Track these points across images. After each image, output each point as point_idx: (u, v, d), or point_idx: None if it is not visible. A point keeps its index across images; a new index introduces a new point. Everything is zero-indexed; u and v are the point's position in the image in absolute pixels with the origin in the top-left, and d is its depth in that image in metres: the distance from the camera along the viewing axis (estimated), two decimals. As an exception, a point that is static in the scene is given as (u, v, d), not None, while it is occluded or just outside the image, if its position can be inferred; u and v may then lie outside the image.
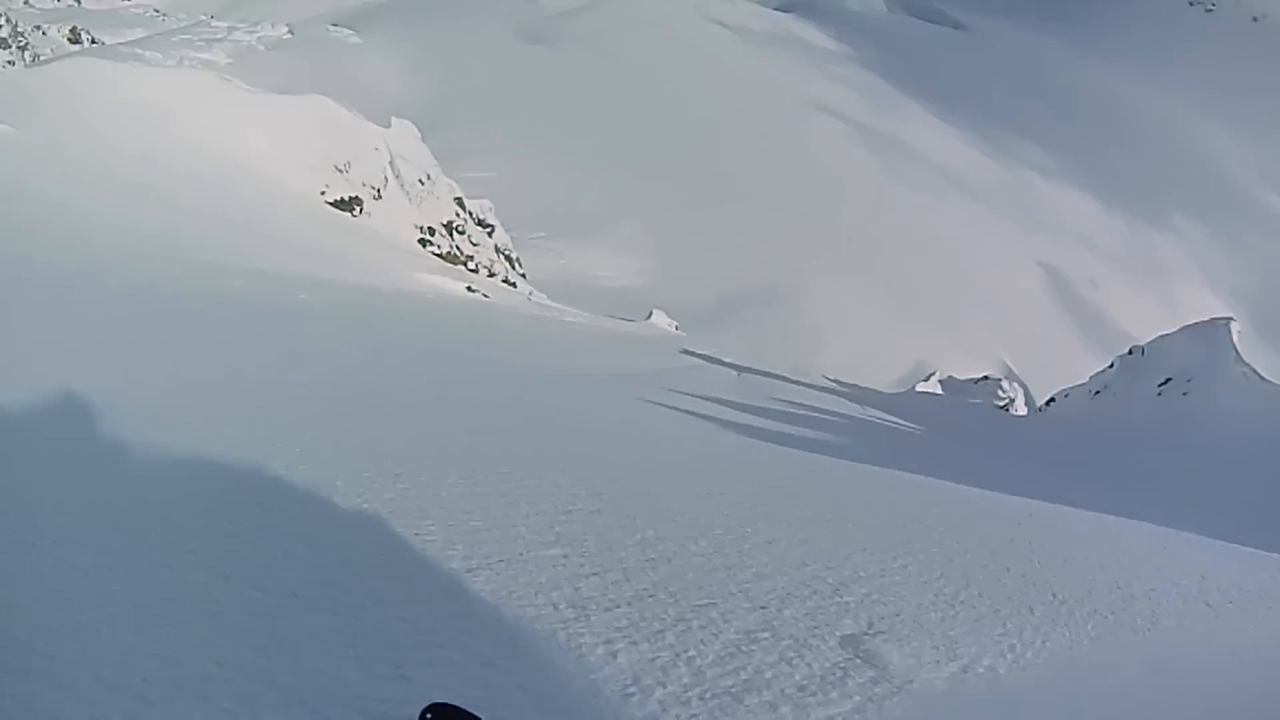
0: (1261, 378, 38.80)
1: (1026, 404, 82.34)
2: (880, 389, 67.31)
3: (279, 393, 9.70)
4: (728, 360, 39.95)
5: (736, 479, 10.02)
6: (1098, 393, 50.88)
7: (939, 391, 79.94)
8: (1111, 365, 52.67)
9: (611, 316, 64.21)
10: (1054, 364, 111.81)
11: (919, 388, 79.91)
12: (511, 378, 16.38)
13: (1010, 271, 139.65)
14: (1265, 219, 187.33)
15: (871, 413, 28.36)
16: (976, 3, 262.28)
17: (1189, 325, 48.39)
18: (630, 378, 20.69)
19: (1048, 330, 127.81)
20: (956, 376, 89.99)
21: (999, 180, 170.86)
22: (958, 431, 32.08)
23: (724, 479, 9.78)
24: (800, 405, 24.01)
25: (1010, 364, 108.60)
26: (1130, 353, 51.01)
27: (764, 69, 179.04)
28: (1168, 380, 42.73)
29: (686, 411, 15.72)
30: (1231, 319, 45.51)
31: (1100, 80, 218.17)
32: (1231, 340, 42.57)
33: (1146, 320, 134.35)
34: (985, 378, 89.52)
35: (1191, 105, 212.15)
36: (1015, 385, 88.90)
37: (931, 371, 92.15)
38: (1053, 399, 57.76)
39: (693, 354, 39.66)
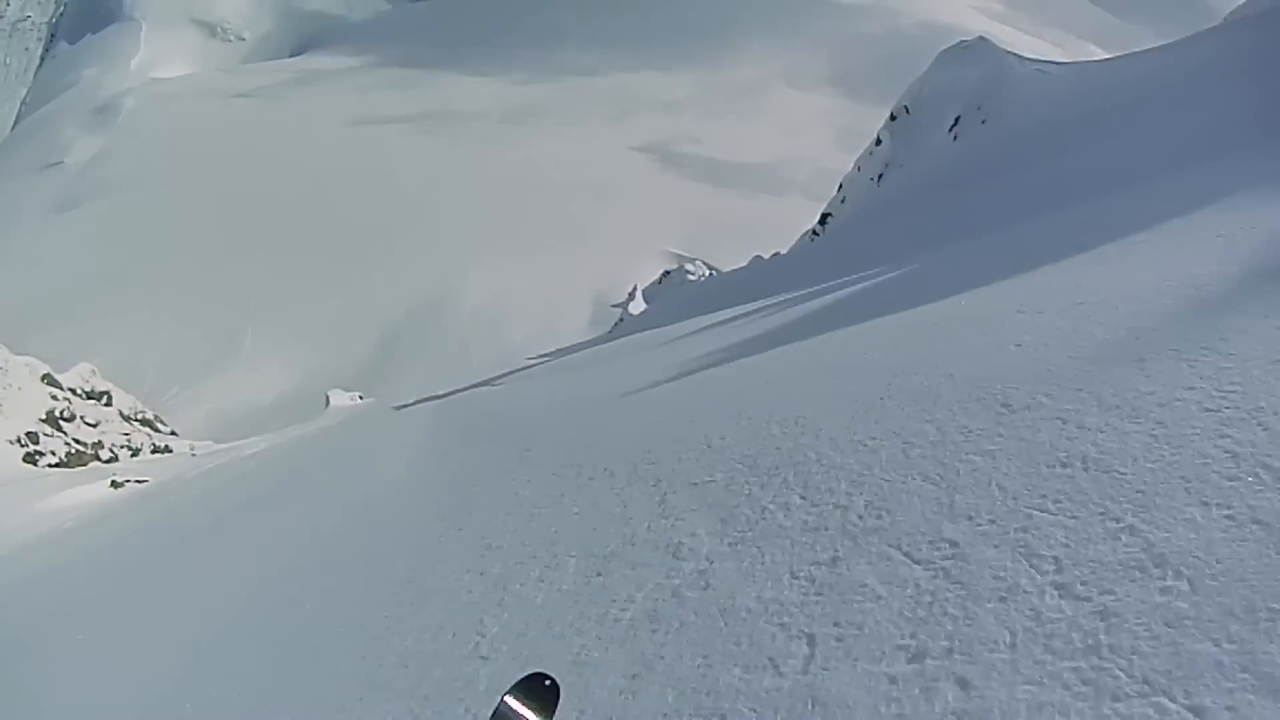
0: (1056, 63, 34.57)
1: (712, 272, 80.00)
2: (583, 337, 63.06)
3: None
4: (466, 386, 32.97)
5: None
6: (880, 175, 44.49)
7: (645, 305, 76.23)
8: (879, 141, 46.26)
9: (289, 426, 56.02)
10: (710, 228, 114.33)
11: (632, 309, 76.22)
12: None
13: (617, 169, 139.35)
14: (811, 6, 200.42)
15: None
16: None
17: (939, 57, 43.74)
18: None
19: (686, 202, 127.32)
20: (641, 285, 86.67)
21: (556, 97, 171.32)
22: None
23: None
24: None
25: (678, 251, 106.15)
26: (894, 117, 44.81)
27: (299, 115, 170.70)
28: (958, 119, 37.55)
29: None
30: (982, 36, 41.43)
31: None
32: (1000, 45, 38.44)
33: (758, 142, 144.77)
34: (666, 273, 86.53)
35: None
36: (697, 262, 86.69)
37: (630, 289, 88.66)
38: (826, 215, 50.14)
39: (407, 405, 32.17)
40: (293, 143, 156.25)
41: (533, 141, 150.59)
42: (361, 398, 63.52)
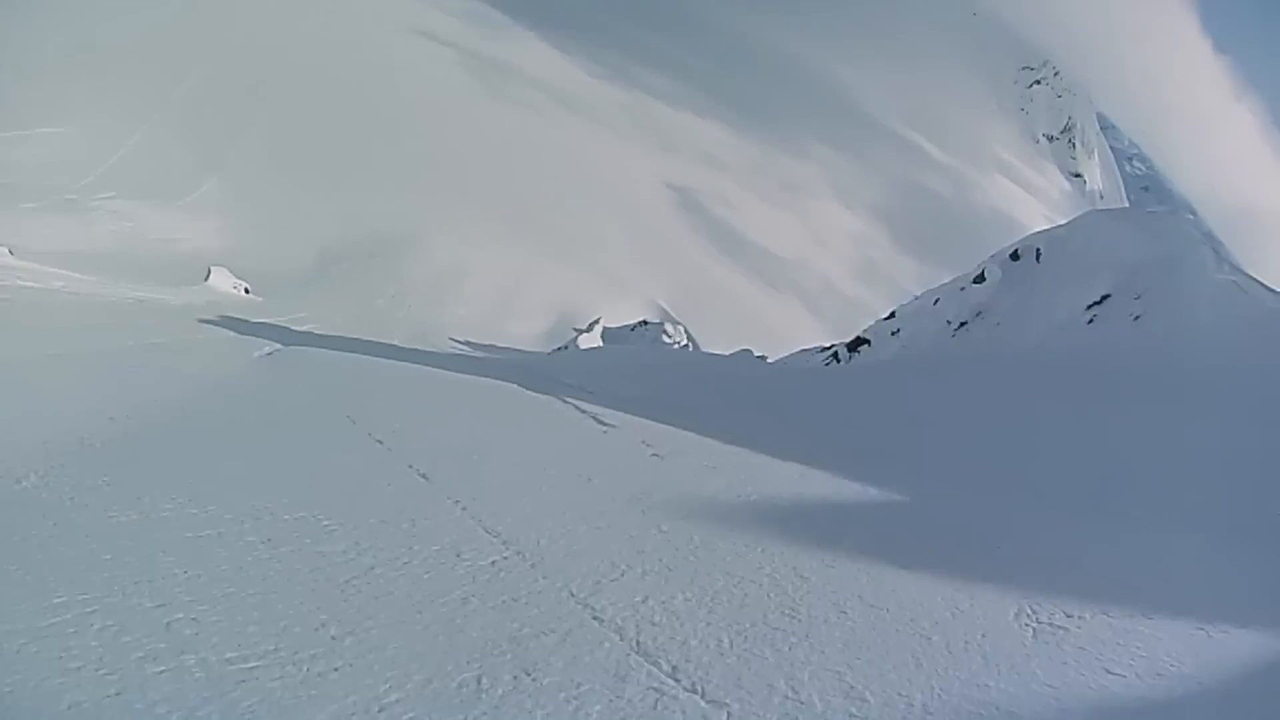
0: (1263, 285, 24.86)
1: (690, 345, 72.74)
2: (525, 347, 55.00)
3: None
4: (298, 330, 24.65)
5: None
6: (963, 324, 33.61)
7: (600, 344, 67.95)
8: (980, 278, 35.14)
9: (167, 285, 46.80)
10: (705, 294, 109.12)
11: (582, 342, 68.03)
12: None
13: (640, 195, 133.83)
14: (895, 143, 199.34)
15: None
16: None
17: (1093, 215, 33.47)
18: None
19: (687, 253, 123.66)
20: (609, 325, 78.48)
21: (619, 104, 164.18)
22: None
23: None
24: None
25: (665, 305, 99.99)
26: (1015, 257, 33.90)
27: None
28: (1105, 298, 28.05)
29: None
30: (1174, 211, 31.52)
31: (737, 25, 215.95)
32: (1199, 236, 28.68)
33: (786, 237, 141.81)
34: (644, 323, 78.86)
35: (830, 54, 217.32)
36: (679, 328, 78.72)
37: (594, 319, 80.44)
38: (861, 340, 38.56)
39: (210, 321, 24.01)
40: (337, 29, 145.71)
41: (575, 132, 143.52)
42: (248, 290, 55.43)
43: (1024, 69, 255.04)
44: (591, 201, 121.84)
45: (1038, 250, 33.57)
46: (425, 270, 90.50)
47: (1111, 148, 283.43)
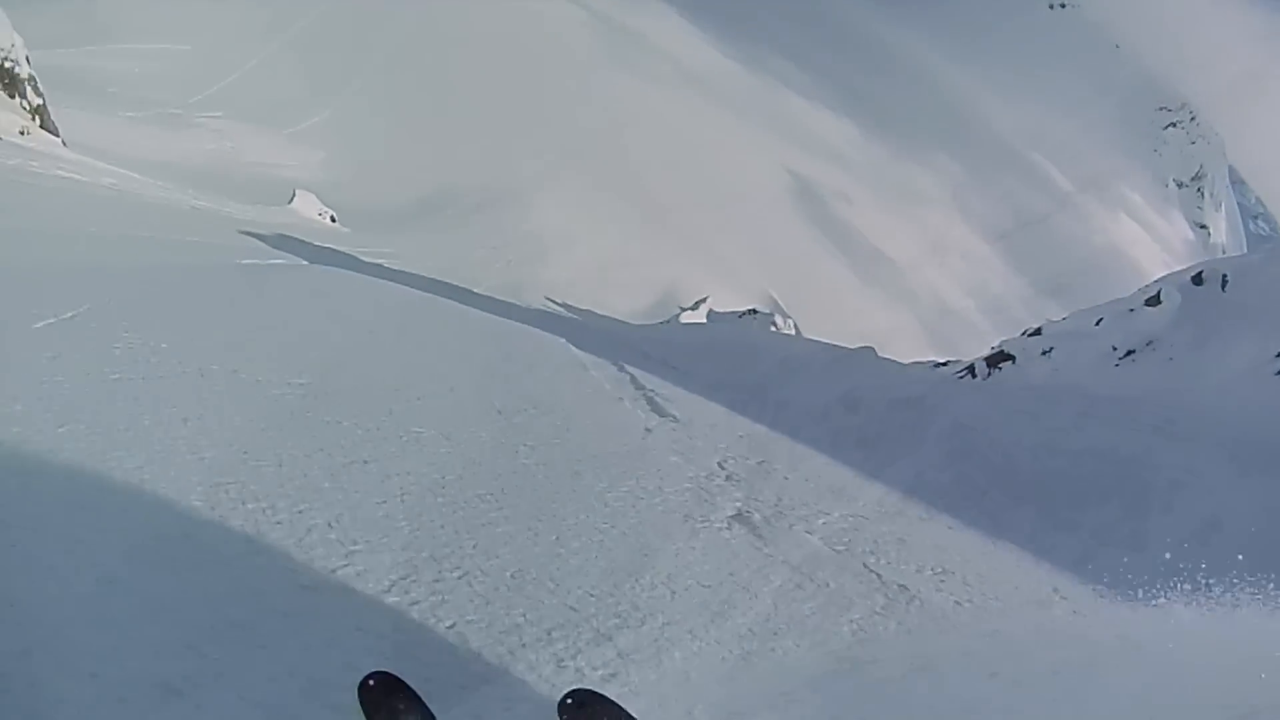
0: None
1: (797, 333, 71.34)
2: (625, 320, 51.30)
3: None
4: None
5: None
6: (1130, 353, 27.87)
7: (704, 321, 65.30)
8: (1157, 298, 27.93)
9: (245, 203, 43.70)
10: (815, 290, 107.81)
11: (684, 319, 64.85)
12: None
13: (759, 179, 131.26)
14: (1021, 165, 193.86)
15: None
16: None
17: None
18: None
19: (802, 247, 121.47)
20: (716, 309, 75.26)
21: (749, 89, 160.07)
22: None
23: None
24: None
25: (776, 297, 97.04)
26: (1199, 281, 26.78)
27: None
28: None
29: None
30: None
31: (879, 28, 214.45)
32: None
33: (903, 243, 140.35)
34: (754, 311, 74.82)
35: (969, 67, 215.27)
36: (789, 321, 75.09)
37: (701, 298, 77.27)
38: (1004, 356, 31.79)
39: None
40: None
41: (700, 110, 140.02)
42: (334, 219, 52.18)
43: (1160, 109, 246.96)
44: (708, 182, 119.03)
45: (1224, 277, 27.78)
46: (530, 229, 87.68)
47: (1238, 203, 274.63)
